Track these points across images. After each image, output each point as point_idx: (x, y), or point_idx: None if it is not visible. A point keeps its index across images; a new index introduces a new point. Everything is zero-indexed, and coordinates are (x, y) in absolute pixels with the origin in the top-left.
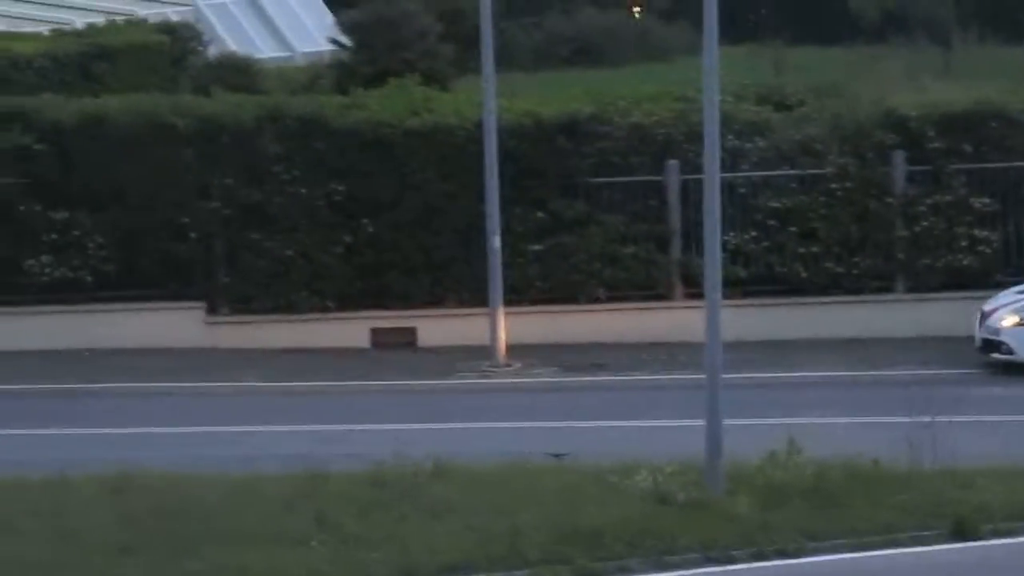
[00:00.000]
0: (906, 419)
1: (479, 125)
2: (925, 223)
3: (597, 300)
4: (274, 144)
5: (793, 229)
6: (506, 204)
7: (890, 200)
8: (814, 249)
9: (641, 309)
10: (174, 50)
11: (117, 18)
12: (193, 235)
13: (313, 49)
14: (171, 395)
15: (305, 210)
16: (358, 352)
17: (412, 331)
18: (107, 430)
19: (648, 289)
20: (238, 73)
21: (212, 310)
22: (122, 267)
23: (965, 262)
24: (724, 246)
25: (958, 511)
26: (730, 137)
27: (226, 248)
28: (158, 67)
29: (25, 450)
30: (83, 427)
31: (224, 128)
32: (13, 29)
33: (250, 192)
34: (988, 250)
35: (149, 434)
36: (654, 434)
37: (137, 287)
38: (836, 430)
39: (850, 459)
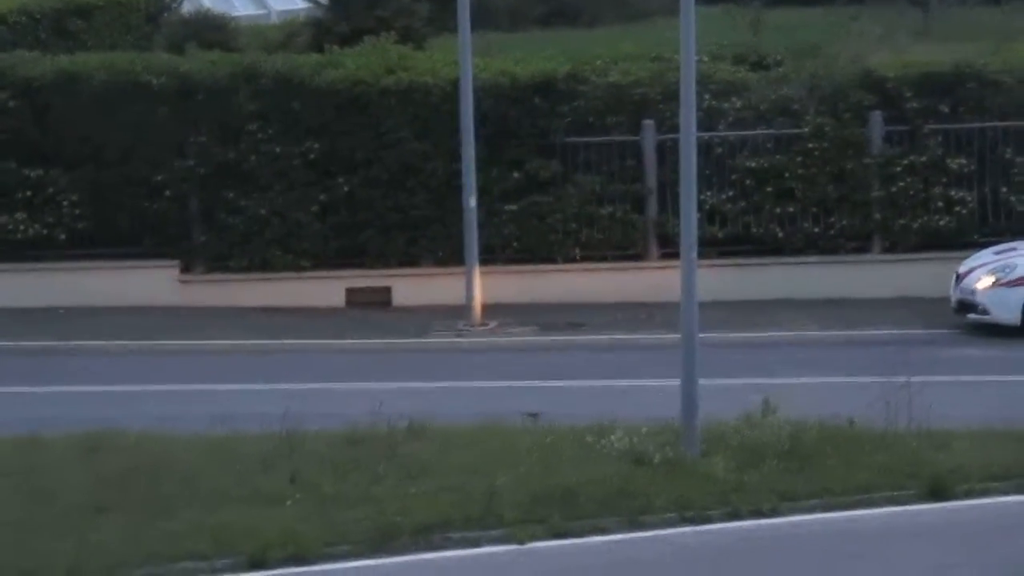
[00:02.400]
0: (882, 379)
1: (455, 84)
2: (902, 183)
3: (573, 260)
4: (249, 102)
5: (770, 189)
6: (482, 164)
7: (867, 160)
8: (790, 209)
9: (617, 269)
10: (149, 7)
11: None
12: (168, 193)
13: (288, 7)
14: (146, 353)
15: (280, 169)
16: (333, 311)
17: (387, 290)
18: (81, 388)
19: (624, 249)
20: (213, 31)
21: (187, 268)
22: (96, 225)
23: (941, 223)
24: (700, 206)
25: (933, 472)
26: (707, 97)
27: (201, 206)
28: (133, 24)
29: None
30: (57, 385)
31: (199, 86)
32: None
33: (225, 150)
34: (964, 211)
35: (124, 392)
36: (630, 394)
37: (111, 245)
38: (812, 390)
39: (826, 420)
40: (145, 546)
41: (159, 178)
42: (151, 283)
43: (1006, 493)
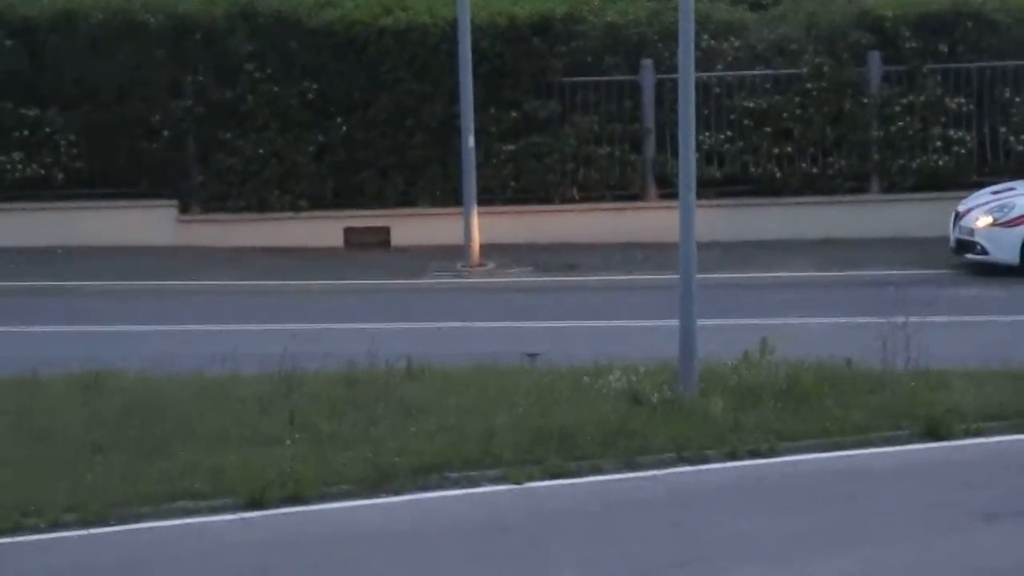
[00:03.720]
0: (879, 320)
1: (453, 24)
2: (900, 123)
3: (571, 200)
4: (246, 42)
5: (768, 130)
6: (480, 104)
7: (865, 100)
8: (788, 150)
9: (615, 209)
10: None
11: None
12: (165, 133)
13: None
14: (144, 294)
15: (278, 109)
16: (331, 252)
17: (385, 231)
18: (79, 328)
19: (622, 189)
20: None
21: (184, 209)
22: (94, 165)
23: (940, 163)
24: (698, 146)
25: (930, 412)
26: (705, 37)
27: (198, 147)
28: None
29: None
30: (55, 325)
31: (196, 26)
32: None
33: (222, 91)
34: (963, 151)
35: (122, 332)
36: (628, 334)
37: (109, 185)
38: (809, 331)
39: (823, 360)
40: (143, 485)
41: (156, 118)
42: (149, 223)
43: (1002, 432)
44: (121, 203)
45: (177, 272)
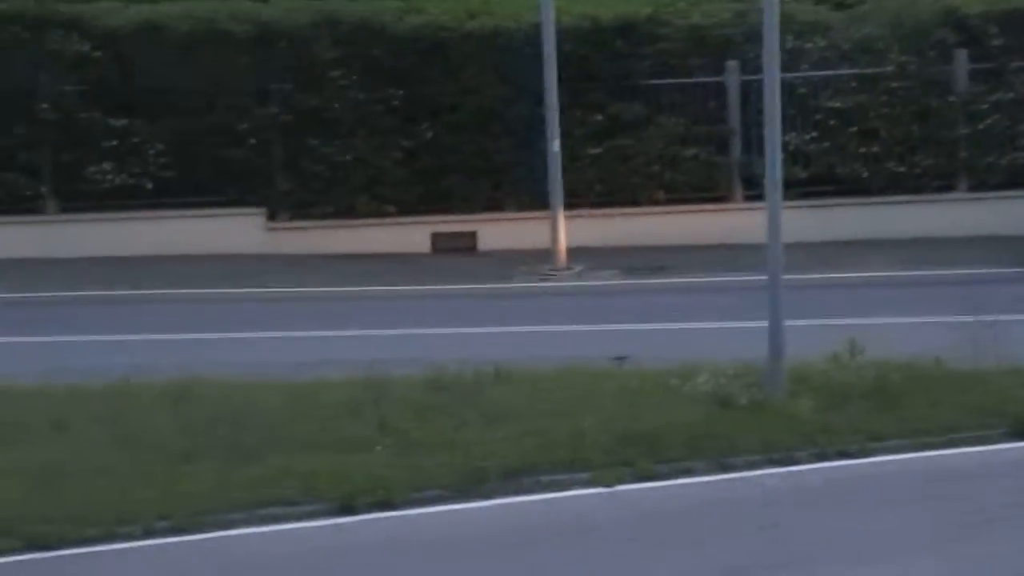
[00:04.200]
0: (968, 318)
1: (537, 27)
2: (987, 121)
3: (657, 202)
4: (331, 49)
5: (853, 129)
6: (564, 107)
7: (951, 98)
8: (875, 149)
9: (701, 211)
10: None
11: None
12: (251, 141)
13: None
14: (232, 301)
15: (363, 115)
16: (418, 257)
17: (472, 235)
18: (169, 336)
19: (708, 191)
20: None
21: (272, 216)
22: (181, 173)
23: None
24: (784, 147)
25: (1021, 410)
26: (789, 37)
27: (285, 154)
28: None
29: (86, 357)
30: (144, 334)
31: (281, 33)
32: None
33: (307, 97)
34: None
35: (211, 340)
36: (715, 336)
37: (196, 193)
38: (898, 330)
39: (911, 359)
40: (233, 492)
41: (243, 126)
42: (237, 231)
43: None
44: (209, 211)
45: (265, 279)
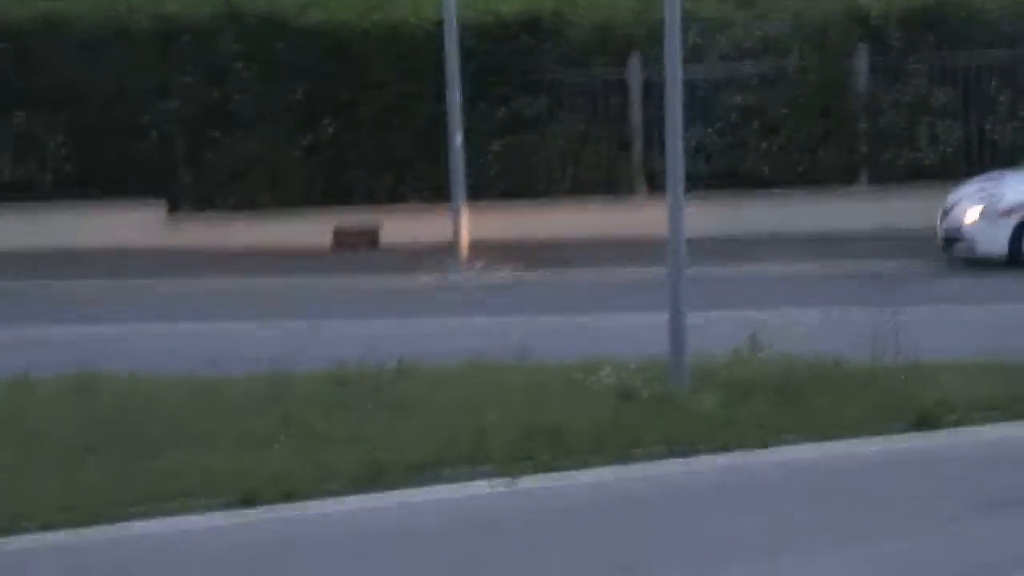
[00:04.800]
0: (869, 312)
1: (439, 23)
2: (887, 118)
3: (560, 197)
4: (233, 43)
5: (755, 125)
6: (467, 102)
7: (853, 95)
8: (777, 144)
9: (605, 206)
10: None
11: None
12: (153, 135)
13: None
14: (134, 294)
15: (265, 109)
16: (321, 251)
17: (374, 230)
18: (70, 329)
19: (611, 186)
20: None
21: (173, 209)
22: (83, 167)
23: (927, 156)
24: (686, 143)
25: (921, 404)
26: (692, 34)
27: (187, 147)
28: None
29: None
30: (45, 326)
31: (183, 27)
32: None
33: (210, 91)
34: (950, 144)
35: (112, 333)
36: (619, 330)
37: (98, 187)
38: (800, 324)
39: (814, 354)
40: (135, 486)
41: (145, 119)
42: (138, 223)
43: (994, 422)
44: (110, 204)
45: (167, 272)
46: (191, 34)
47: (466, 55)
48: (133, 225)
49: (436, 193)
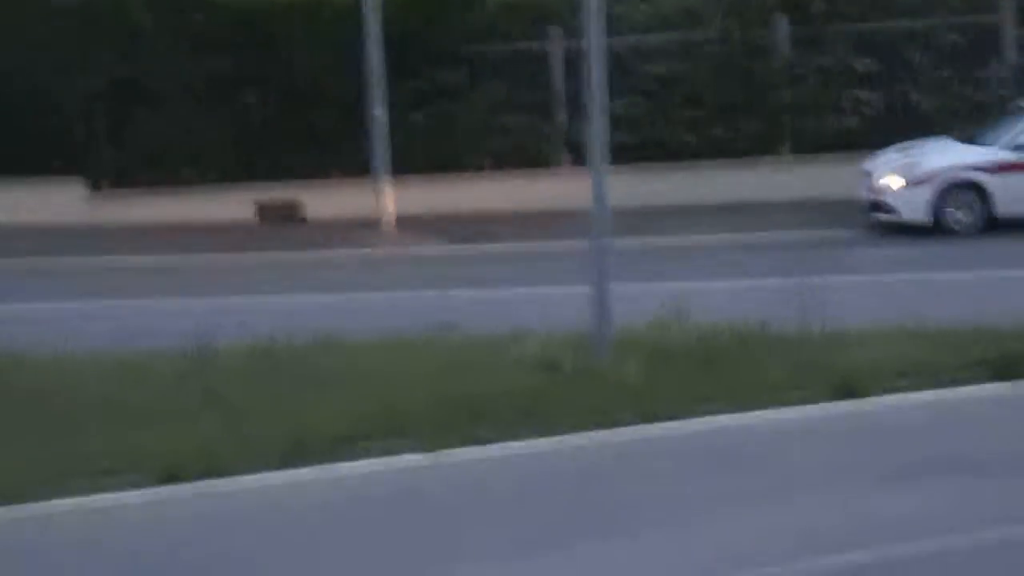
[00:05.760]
0: (793, 281)
1: None
2: (808, 86)
3: (482, 169)
4: (151, 16)
5: (677, 94)
6: (388, 75)
7: (773, 64)
8: (698, 114)
9: (527, 177)
10: None
11: None
12: (72, 111)
13: None
14: (54, 272)
15: (185, 84)
16: (244, 226)
17: (297, 204)
18: None
19: (533, 157)
20: None
21: (94, 186)
22: (2, 144)
23: (849, 124)
24: (608, 113)
25: (844, 371)
26: (613, 3)
27: (107, 123)
28: None
29: None
30: None
31: (102, 1)
32: None
33: (130, 67)
34: (871, 111)
35: (32, 311)
36: (542, 302)
37: (18, 164)
38: (723, 294)
39: (737, 322)
40: (57, 466)
41: (64, 95)
42: (59, 201)
43: (916, 389)
44: (29, 180)
45: (88, 249)
46: (108, 8)
47: (386, 27)
48: (54, 202)
49: (359, 167)
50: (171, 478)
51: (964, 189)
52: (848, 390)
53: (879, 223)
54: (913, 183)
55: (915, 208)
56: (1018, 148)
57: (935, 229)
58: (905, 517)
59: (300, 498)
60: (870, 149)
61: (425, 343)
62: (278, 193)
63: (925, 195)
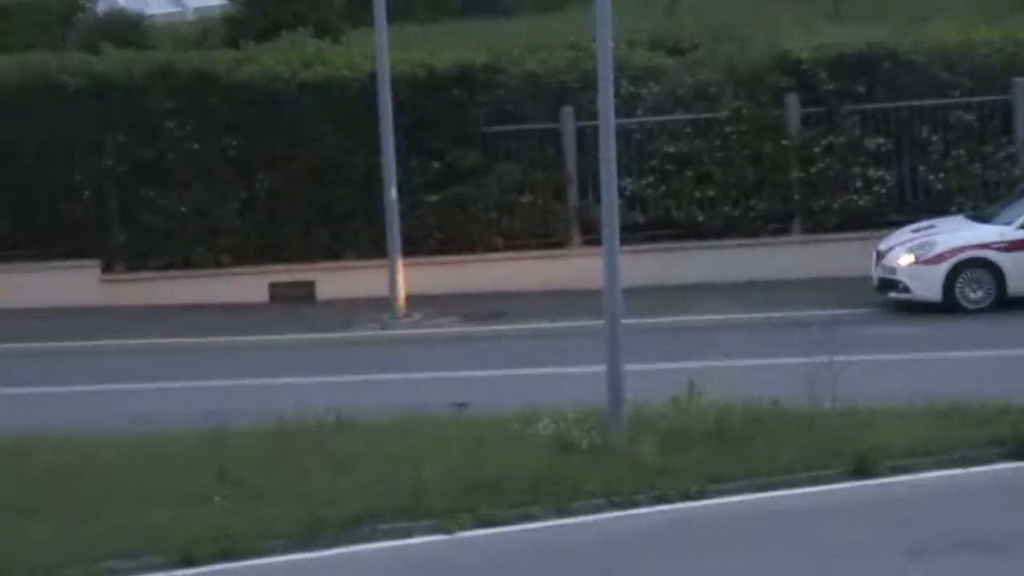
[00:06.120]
0: (806, 360)
1: (373, 77)
2: (820, 164)
3: (496, 249)
4: (166, 100)
5: (689, 173)
6: (402, 156)
7: (785, 142)
8: (710, 193)
9: (540, 257)
10: (63, 7)
11: None
12: (86, 193)
13: (204, 4)
14: (69, 354)
15: (199, 166)
16: (257, 307)
17: (311, 285)
18: (4, 391)
19: (546, 237)
20: (128, 29)
21: (108, 268)
22: (15, 227)
23: (860, 202)
24: (621, 192)
25: (857, 450)
26: (624, 83)
27: (120, 205)
28: (47, 25)
29: None
30: None
31: (115, 85)
32: None
33: (143, 149)
34: (882, 190)
35: (48, 394)
36: (556, 381)
37: (32, 247)
38: (736, 373)
39: (751, 402)
40: (73, 546)
41: (77, 178)
42: (72, 283)
43: (929, 469)
44: (44, 263)
45: (102, 332)
46: (122, 91)
47: (400, 109)
48: (67, 285)
49: (372, 247)
50: (186, 561)
51: (977, 267)
52: (862, 470)
53: (891, 301)
54: (925, 261)
55: (927, 286)
56: None
57: (947, 307)
58: None
59: None
60: (882, 227)
61: (440, 423)
62: (292, 274)
63: (938, 273)
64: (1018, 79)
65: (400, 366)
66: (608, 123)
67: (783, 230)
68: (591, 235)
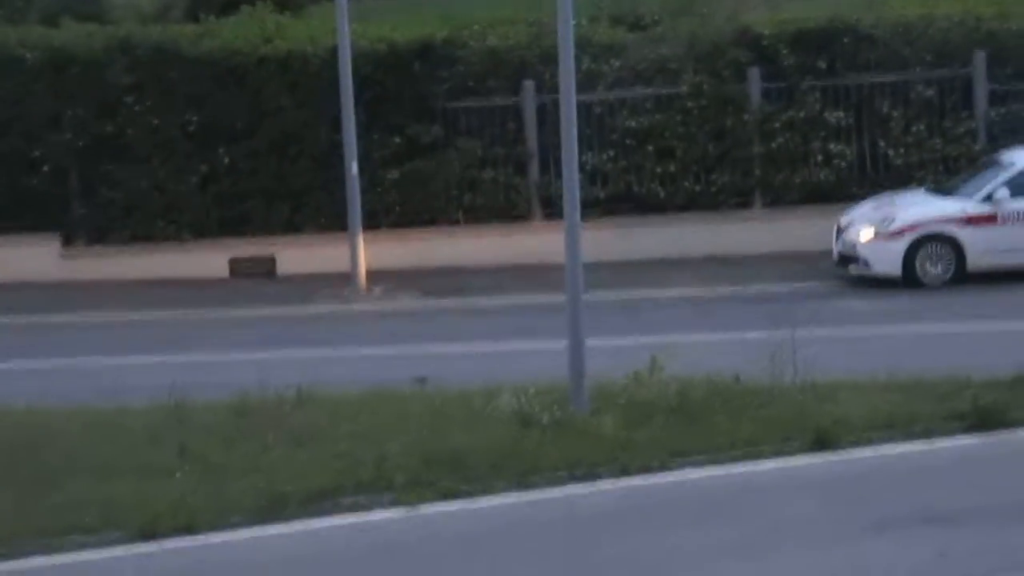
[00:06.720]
0: (767, 334)
1: (333, 52)
2: (781, 139)
3: (457, 224)
4: (125, 74)
5: (650, 148)
6: (363, 130)
7: (746, 117)
8: (671, 168)
9: (501, 232)
10: None
11: None
12: (46, 168)
13: None
14: (29, 329)
15: (159, 140)
16: (217, 282)
17: (271, 259)
18: None
19: (507, 212)
20: (87, 3)
21: (68, 242)
22: None
23: (821, 177)
24: (582, 167)
25: (819, 423)
26: (585, 59)
27: (80, 180)
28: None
29: None
30: None
31: (74, 59)
32: None
33: (103, 123)
34: (843, 164)
35: (7, 369)
36: (517, 356)
37: None
38: (698, 347)
39: (713, 376)
40: (33, 520)
41: (37, 153)
42: (32, 258)
43: (890, 442)
44: (3, 238)
45: (62, 306)
46: (82, 65)
47: (361, 83)
48: (27, 259)
49: (333, 222)
50: (147, 535)
51: (937, 242)
52: (823, 443)
53: (852, 276)
54: (885, 236)
55: (887, 261)
56: (990, 201)
57: (907, 282)
58: (882, 569)
59: (276, 554)
60: (843, 202)
61: (401, 398)
62: (251, 248)
63: (898, 248)
64: (978, 53)
65: (361, 341)
66: (569, 98)
67: (744, 205)
68: (552, 210)
